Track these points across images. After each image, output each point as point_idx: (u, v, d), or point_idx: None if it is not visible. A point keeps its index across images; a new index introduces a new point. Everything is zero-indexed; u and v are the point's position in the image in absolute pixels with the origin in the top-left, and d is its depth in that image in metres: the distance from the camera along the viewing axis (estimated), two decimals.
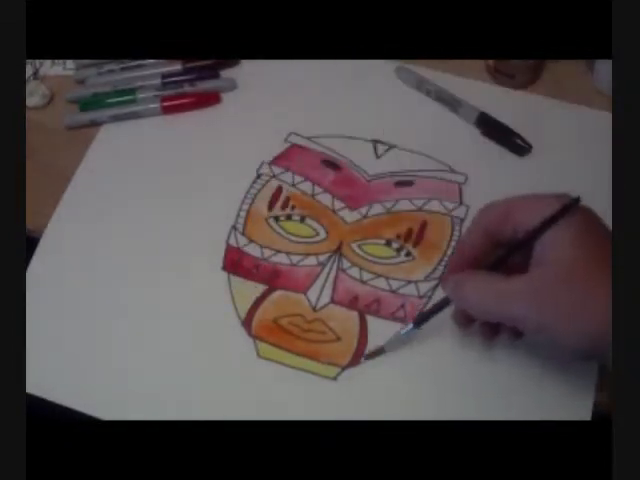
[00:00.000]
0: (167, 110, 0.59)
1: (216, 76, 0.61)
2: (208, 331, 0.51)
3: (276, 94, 0.60)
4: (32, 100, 0.60)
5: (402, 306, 0.51)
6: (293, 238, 0.54)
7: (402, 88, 0.60)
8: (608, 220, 0.41)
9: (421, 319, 0.48)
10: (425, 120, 0.59)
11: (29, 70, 0.62)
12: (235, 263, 0.53)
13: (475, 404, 0.48)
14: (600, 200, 0.42)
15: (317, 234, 0.54)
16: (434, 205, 0.55)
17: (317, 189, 0.56)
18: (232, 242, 0.54)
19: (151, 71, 0.61)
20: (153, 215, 0.55)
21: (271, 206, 0.55)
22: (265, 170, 0.57)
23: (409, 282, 0.52)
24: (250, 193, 0.56)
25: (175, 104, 0.59)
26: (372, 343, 0.50)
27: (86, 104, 0.60)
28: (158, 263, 0.53)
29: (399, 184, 0.56)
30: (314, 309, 0.51)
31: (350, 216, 0.54)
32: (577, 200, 0.41)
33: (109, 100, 0.60)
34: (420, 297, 0.51)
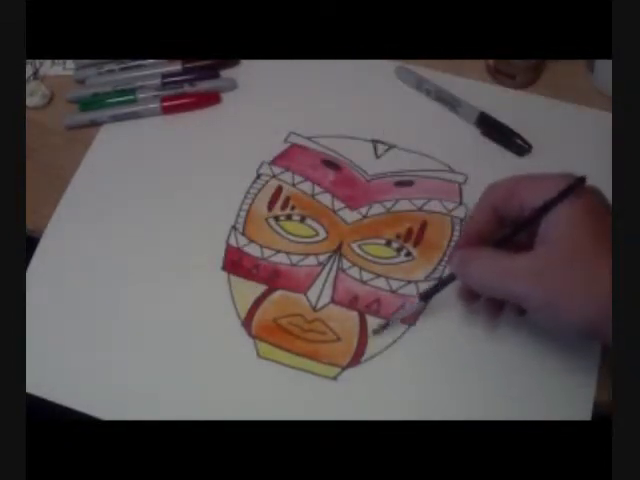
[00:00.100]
0: (167, 110, 0.59)
1: (216, 76, 0.61)
2: (208, 331, 0.51)
3: (276, 94, 0.60)
4: (32, 100, 0.60)
5: (402, 306, 0.51)
6: (293, 238, 0.54)
7: (402, 88, 0.60)
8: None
9: (427, 294, 0.48)
10: (425, 120, 0.59)
11: (29, 70, 0.62)
12: (235, 263, 0.53)
13: (475, 405, 0.48)
14: None
15: (317, 234, 0.54)
16: (434, 205, 0.55)
17: (317, 189, 0.56)
18: (232, 242, 0.54)
19: (151, 71, 0.61)
20: (153, 215, 0.55)
21: (271, 206, 0.55)
22: (265, 170, 0.57)
23: (409, 282, 0.52)
24: (250, 193, 0.56)
25: (175, 104, 0.59)
26: (372, 343, 0.50)
27: (86, 104, 0.60)
28: (158, 263, 0.53)
29: (399, 184, 0.56)
30: (314, 309, 0.51)
31: (350, 216, 0.54)
32: (583, 179, 0.41)
33: (109, 100, 0.60)
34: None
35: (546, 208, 0.41)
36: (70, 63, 0.63)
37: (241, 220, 0.55)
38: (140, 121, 0.59)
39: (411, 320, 0.51)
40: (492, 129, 0.57)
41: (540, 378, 0.48)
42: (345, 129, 0.58)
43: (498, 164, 0.56)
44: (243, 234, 0.54)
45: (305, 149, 0.57)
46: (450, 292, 0.48)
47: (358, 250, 0.53)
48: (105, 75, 0.61)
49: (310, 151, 0.57)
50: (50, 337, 0.51)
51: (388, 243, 0.53)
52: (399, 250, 0.53)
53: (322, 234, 0.54)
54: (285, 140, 0.58)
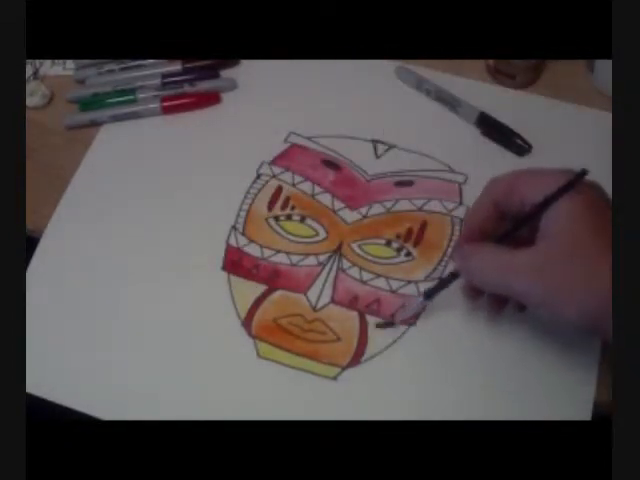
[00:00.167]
0: (167, 110, 0.59)
1: (216, 76, 0.61)
2: (208, 331, 0.51)
3: (276, 94, 0.60)
4: (32, 100, 0.60)
5: (402, 306, 0.51)
6: (293, 238, 0.54)
7: (402, 88, 0.60)
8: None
9: (431, 292, 0.48)
10: (425, 120, 0.59)
11: (29, 70, 0.62)
12: (235, 263, 0.53)
13: (475, 405, 0.48)
14: None
15: (317, 234, 0.54)
16: (434, 205, 0.55)
17: (317, 189, 0.56)
18: (232, 242, 0.54)
19: (151, 71, 0.61)
20: (153, 215, 0.55)
21: (271, 206, 0.55)
22: (265, 170, 0.57)
23: (409, 282, 0.52)
24: (250, 193, 0.56)
25: (175, 104, 0.59)
26: (372, 343, 0.50)
27: (86, 104, 0.60)
28: (158, 263, 0.53)
29: (399, 184, 0.56)
30: (314, 309, 0.51)
31: (350, 216, 0.54)
32: (583, 173, 0.41)
33: (109, 100, 0.60)
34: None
35: (546, 203, 0.41)
36: (70, 63, 0.63)
37: (241, 220, 0.55)
38: (140, 121, 0.59)
39: (411, 320, 0.51)
40: (492, 129, 0.57)
41: (540, 378, 0.48)
42: (345, 129, 0.58)
43: (498, 164, 0.56)
44: (243, 234, 0.54)
45: (305, 149, 0.57)
46: (450, 292, 0.48)
47: (358, 250, 0.53)
48: (105, 75, 0.61)
49: (310, 151, 0.57)
50: (50, 337, 0.51)
51: (388, 243, 0.53)
52: (399, 250, 0.53)
53: (322, 234, 0.54)
54: (285, 140, 0.58)
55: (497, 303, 0.46)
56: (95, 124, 0.59)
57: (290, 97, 0.60)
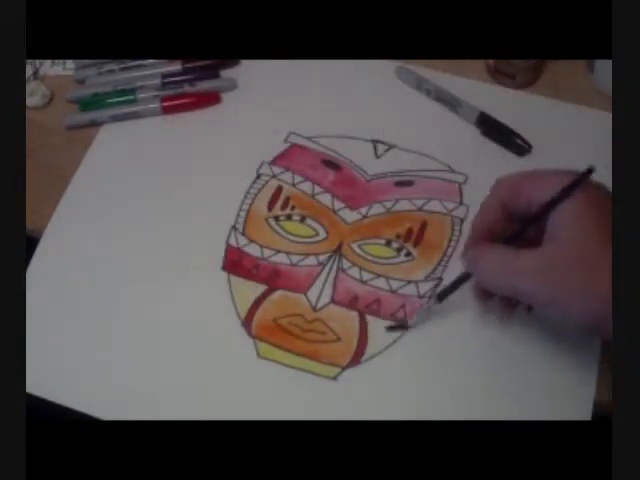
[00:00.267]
0: (167, 110, 0.59)
1: (216, 76, 0.61)
2: (208, 331, 0.51)
3: (276, 94, 0.60)
4: (32, 100, 0.60)
5: (402, 306, 0.51)
6: (293, 238, 0.54)
7: (402, 88, 0.60)
8: None
9: (443, 293, 0.48)
10: (425, 120, 0.59)
11: (29, 70, 0.62)
12: (235, 263, 0.53)
13: (475, 405, 0.48)
14: None
15: (317, 234, 0.54)
16: (434, 205, 0.55)
17: (317, 189, 0.56)
18: (232, 242, 0.54)
19: (151, 71, 0.61)
20: (153, 215, 0.55)
21: (271, 206, 0.55)
22: (265, 170, 0.57)
23: (409, 282, 0.52)
24: (250, 193, 0.56)
25: (175, 104, 0.59)
26: (372, 343, 0.50)
27: (86, 104, 0.60)
28: (158, 263, 0.53)
29: (399, 184, 0.56)
30: (314, 309, 0.51)
31: (350, 216, 0.54)
32: (589, 172, 0.41)
33: (109, 100, 0.60)
34: (420, 297, 0.51)
35: (553, 203, 0.41)
36: (70, 63, 0.63)
37: (241, 220, 0.55)
38: (140, 121, 0.59)
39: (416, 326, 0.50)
40: (492, 129, 0.57)
41: (540, 378, 0.48)
42: (345, 129, 0.58)
43: (498, 164, 0.56)
44: (243, 234, 0.54)
45: (305, 149, 0.57)
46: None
47: (358, 250, 0.53)
48: (105, 75, 0.61)
49: (310, 151, 0.57)
50: (50, 337, 0.51)
51: (388, 243, 0.53)
52: (399, 250, 0.53)
53: (322, 234, 0.54)
54: (285, 140, 0.58)
55: (508, 304, 0.46)
56: (95, 124, 0.59)
57: (290, 97, 0.60)
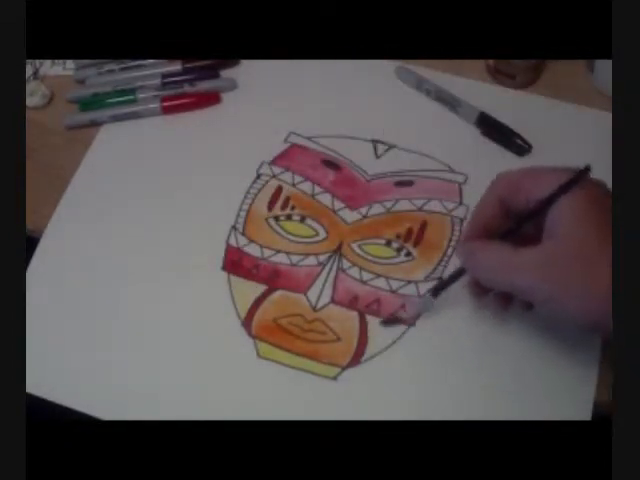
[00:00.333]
0: (167, 110, 0.59)
1: (216, 76, 0.61)
2: (208, 331, 0.51)
3: (276, 94, 0.60)
4: (32, 100, 0.60)
5: (402, 306, 0.51)
6: (293, 238, 0.54)
7: (402, 88, 0.60)
8: None
9: (438, 289, 0.48)
10: (425, 120, 0.59)
11: (29, 70, 0.62)
12: (235, 263, 0.53)
13: (475, 405, 0.48)
14: None
15: (317, 234, 0.54)
16: (434, 205, 0.55)
17: (317, 189, 0.56)
18: (232, 242, 0.54)
19: (151, 71, 0.61)
20: (153, 215, 0.55)
21: (271, 206, 0.55)
22: (265, 170, 0.57)
23: (409, 282, 0.52)
24: (250, 193, 0.56)
25: (175, 104, 0.59)
26: (372, 343, 0.50)
27: (86, 104, 0.60)
28: (158, 263, 0.53)
29: (399, 184, 0.56)
30: (314, 309, 0.51)
31: (350, 216, 0.54)
32: (587, 169, 0.41)
33: (109, 100, 0.60)
34: (420, 297, 0.51)
35: (551, 200, 0.41)
36: (70, 63, 0.63)
37: (241, 220, 0.55)
38: (140, 121, 0.59)
39: (412, 320, 0.51)
40: (492, 129, 0.57)
41: (540, 378, 0.48)
42: (345, 129, 0.58)
43: (498, 164, 0.55)
44: (243, 234, 0.54)
45: (305, 149, 0.57)
46: (449, 292, 0.48)
47: (358, 250, 0.53)
48: (105, 75, 0.61)
49: (310, 151, 0.57)
50: (50, 337, 0.51)
51: (388, 243, 0.53)
52: (399, 250, 0.53)
53: (322, 234, 0.54)
54: (285, 140, 0.58)
55: (504, 300, 0.47)
56: (95, 124, 0.59)
57: (290, 97, 0.60)
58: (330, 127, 0.58)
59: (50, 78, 0.62)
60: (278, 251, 0.53)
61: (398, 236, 0.54)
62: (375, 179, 0.56)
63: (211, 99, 0.60)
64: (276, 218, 0.55)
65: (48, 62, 0.63)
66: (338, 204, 0.55)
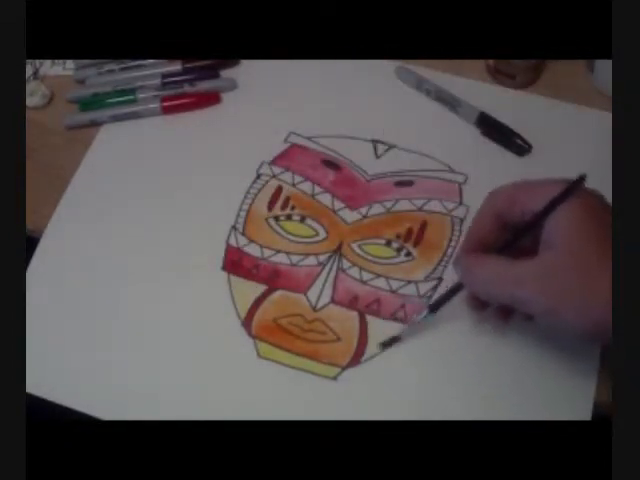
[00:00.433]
0: (167, 110, 0.59)
1: (216, 76, 0.61)
2: (208, 331, 0.51)
3: (276, 94, 0.60)
4: (32, 100, 0.60)
5: (402, 306, 0.51)
6: (293, 238, 0.54)
7: (402, 88, 0.60)
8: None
9: (436, 305, 0.48)
10: (425, 120, 0.59)
11: (29, 70, 0.62)
12: (235, 263, 0.53)
13: (475, 405, 0.48)
14: None
15: (317, 234, 0.54)
16: (434, 205, 0.55)
17: (317, 189, 0.56)
18: (232, 242, 0.54)
19: (151, 71, 0.61)
20: (153, 215, 0.55)
21: (271, 206, 0.55)
22: (265, 170, 0.57)
23: (409, 282, 0.52)
24: (250, 193, 0.56)
25: (175, 104, 0.59)
26: (372, 343, 0.50)
27: (86, 104, 0.60)
28: (158, 263, 0.53)
29: (399, 184, 0.56)
30: (314, 309, 0.51)
31: (350, 216, 0.54)
32: (582, 179, 0.41)
33: (109, 100, 0.60)
34: (420, 297, 0.51)
35: (546, 211, 0.41)
36: (70, 63, 0.63)
37: (241, 220, 0.55)
38: (140, 121, 0.59)
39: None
40: (492, 129, 0.57)
41: (540, 379, 0.48)
42: (345, 129, 0.58)
43: (498, 164, 0.56)
44: (243, 234, 0.54)
45: (305, 149, 0.57)
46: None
47: (358, 250, 0.53)
48: (105, 75, 0.61)
49: (310, 151, 0.57)
50: (50, 337, 0.51)
51: (388, 243, 0.53)
52: (399, 250, 0.53)
53: (322, 234, 0.54)
54: (285, 140, 0.58)
55: (503, 313, 0.46)
56: (95, 124, 0.59)
57: (290, 97, 0.60)
58: (330, 127, 0.58)
59: (50, 78, 0.62)
60: (278, 251, 0.53)
61: (398, 236, 0.54)
62: (375, 179, 0.56)
63: (211, 99, 0.60)
64: (276, 218, 0.55)
65: (48, 62, 0.63)
66: (338, 204, 0.55)
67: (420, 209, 0.55)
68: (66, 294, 0.53)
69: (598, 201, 0.42)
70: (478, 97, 0.58)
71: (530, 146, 0.56)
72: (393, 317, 0.51)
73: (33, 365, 0.49)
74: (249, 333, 0.51)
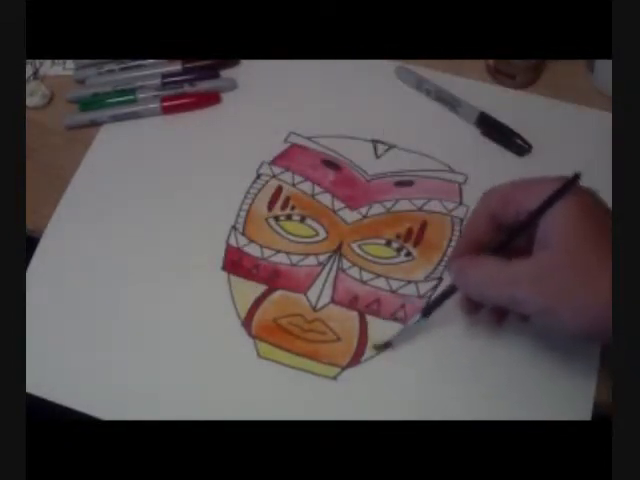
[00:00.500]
0: (167, 110, 0.59)
1: (216, 76, 0.61)
2: (208, 331, 0.51)
3: (276, 94, 0.60)
4: (32, 100, 0.60)
5: (402, 306, 0.51)
6: (293, 238, 0.54)
7: (402, 88, 0.60)
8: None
9: (428, 309, 0.48)
10: (425, 120, 0.59)
11: (29, 70, 0.62)
12: (235, 263, 0.53)
13: (475, 405, 0.48)
14: None
15: (317, 234, 0.54)
16: (434, 205, 0.55)
17: (317, 189, 0.56)
18: (232, 242, 0.54)
19: (151, 71, 0.61)
20: (153, 215, 0.55)
21: (271, 206, 0.55)
22: (265, 170, 0.57)
23: (409, 282, 0.52)
24: (250, 193, 0.56)
25: (175, 104, 0.59)
26: (372, 343, 0.50)
27: (86, 104, 0.60)
28: (158, 263, 0.53)
29: (399, 184, 0.56)
30: (314, 309, 0.51)
31: (350, 216, 0.54)
32: (577, 177, 0.41)
33: (109, 100, 0.60)
34: (420, 297, 0.51)
35: (541, 210, 0.41)
36: (70, 63, 0.63)
37: (241, 220, 0.55)
38: (140, 121, 0.59)
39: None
40: (492, 129, 0.57)
41: (540, 379, 0.48)
42: (345, 129, 0.58)
43: (498, 164, 0.56)
44: (243, 234, 0.54)
45: (305, 149, 0.57)
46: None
47: (358, 250, 0.53)
48: (105, 75, 0.61)
49: (310, 151, 0.57)
50: (50, 337, 0.51)
51: (388, 243, 0.53)
52: (399, 250, 0.53)
53: (322, 234, 0.54)
54: (285, 140, 0.58)
55: (497, 315, 0.46)
56: (95, 124, 0.59)
57: (290, 97, 0.60)
58: (330, 127, 0.58)
59: (50, 78, 0.62)
60: (278, 251, 0.53)
61: (398, 236, 0.54)
62: (375, 179, 0.56)
63: (211, 99, 0.60)
64: (276, 218, 0.55)
65: (48, 62, 0.63)
66: (338, 204, 0.55)
67: (420, 209, 0.55)
68: (66, 294, 0.53)
69: (593, 199, 0.41)
70: (478, 97, 0.58)
71: (530, 146, 0.56)
72: (393, 317, 0.51)
73: (33, 365, 0.49)
74: (249, 333, 0.51)
